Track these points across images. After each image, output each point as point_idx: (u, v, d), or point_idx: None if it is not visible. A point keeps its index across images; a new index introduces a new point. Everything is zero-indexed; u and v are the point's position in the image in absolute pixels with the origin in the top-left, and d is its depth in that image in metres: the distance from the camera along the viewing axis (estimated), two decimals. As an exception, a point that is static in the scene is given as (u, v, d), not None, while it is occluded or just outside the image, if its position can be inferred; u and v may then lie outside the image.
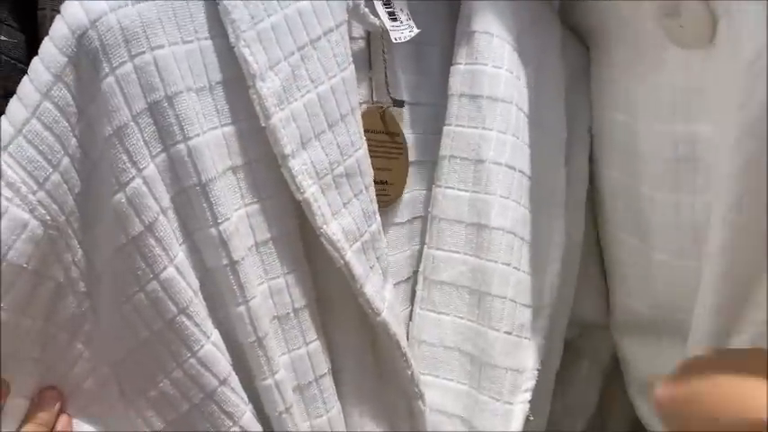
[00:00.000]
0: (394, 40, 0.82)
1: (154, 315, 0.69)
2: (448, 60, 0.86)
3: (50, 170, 0.66)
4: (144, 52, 0.68)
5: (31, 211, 0.66)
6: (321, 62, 0.75)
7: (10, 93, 0.75)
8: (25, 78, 0.67)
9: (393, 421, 0.82)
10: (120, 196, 0.67)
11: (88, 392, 0.72)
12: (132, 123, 0.67)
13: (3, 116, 0.67)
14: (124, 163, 0.67)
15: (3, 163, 0.65)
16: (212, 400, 0.71)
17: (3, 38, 0.74)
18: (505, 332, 0.84)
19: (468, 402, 0.85)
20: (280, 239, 0.76)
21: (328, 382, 0.79)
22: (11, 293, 0.66)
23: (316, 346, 0.78)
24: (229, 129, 0.73)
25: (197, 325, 0.70)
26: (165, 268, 0.69)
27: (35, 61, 0.67)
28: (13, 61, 0.76)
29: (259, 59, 0.71)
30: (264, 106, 0.72)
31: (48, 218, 0.66)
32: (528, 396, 0.84)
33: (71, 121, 0.67)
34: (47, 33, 0.77)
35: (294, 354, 0.77)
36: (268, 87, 0.72)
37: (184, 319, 0.70)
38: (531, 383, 0.84)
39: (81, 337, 0.71)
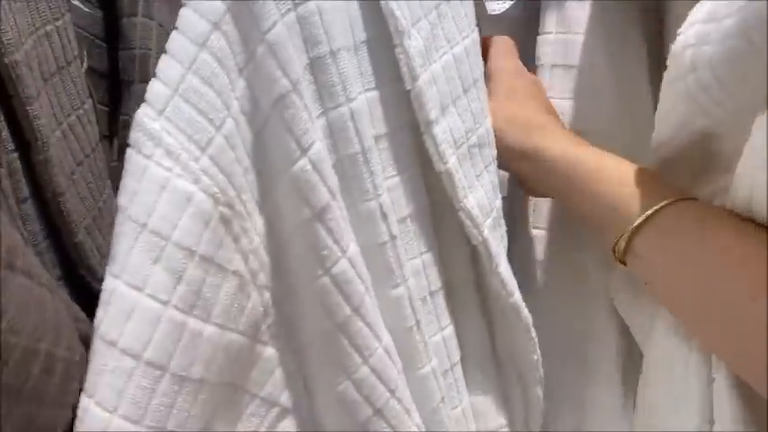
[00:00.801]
0: (490, 12, 0.78)
1: (339, 302, 0.61)
2: (523, 31, 0.83)
3: (212, 131, 0.56)
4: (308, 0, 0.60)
5: (195, 182, 0.55)
6: (455, 21, 0.69)
7: (90, 69, 0.68)
8: (174, 34, 0.57)
9: (509, 410, 0.77)
10: (303, 163, 0.58)
11: (271, 390, 0.61)
12: (302, 79, 0.59)
13: (153, 78, 0.57)
14: (305, 123, 0.58)
15: (160, 128, 0.55)
16: (395, 398, 0.64)
17: (86, 10, 0.65)
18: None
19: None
20: (416, 217, 0.69)
21: (460, 370, 0.73)
22: (181, 286, 0.55)
23: (450, 331, 0.72)
24: (372, 94, 0.66)
25: (377, 315, 0.63)
26: (349, 245, 0.60)
27: (185, 13, 0.57)
28: (91, 37, 0.67)
29: (405, 15, 0.65)
30: (412, 66, 0.65)
31: (215, 190, 0.56)
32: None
33: (231, 78, 0.58)
34: (124, 10, 0.70)
35: (431, 340, 0.70)
36: (414, 46, 0.65)
37: (369, 307, 0.62)
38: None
39: (263, 337, 0.61)
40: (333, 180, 0.60)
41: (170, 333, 0.53)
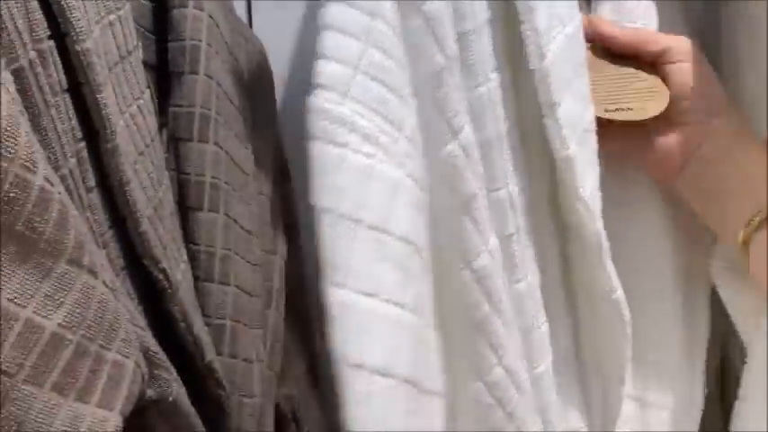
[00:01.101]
0: None
1: (479, 298, 0.56)
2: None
3: (405, 110, 0.51)
4: (458, -30, 0.55)
5: (399, 166, 0.50)
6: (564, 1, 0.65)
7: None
8: (334, 9, 0.51)
9: (588, 408, 0.74)
10: (452, 147, 0.53)
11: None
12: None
13: (322, 59, 0.50)
14: (456, 103, 0.53)
15: (350, 112, 0.49)
16: (524, 399, 0.59)
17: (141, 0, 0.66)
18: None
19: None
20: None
21: (551, 368, 0.69)
22: (411, 284, 0.50)
23: (545, 329, 0.67)
24: (496, 75, 0.61)
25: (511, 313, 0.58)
26: (490, 237, 0.56)
27: None
28: (141, 29, 0.67)
29: (532, -7, 0.60)
30: (540, 44, 0.60)
31: (417, 175, 0.51)
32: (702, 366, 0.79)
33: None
34: (174, 1, 0.68)
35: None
36: (541, 24, 0.61)
37: (506, 305, 0.57)
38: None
39: None
40: (479, 167, 0.55)
41: (412, 340, 0.47)
